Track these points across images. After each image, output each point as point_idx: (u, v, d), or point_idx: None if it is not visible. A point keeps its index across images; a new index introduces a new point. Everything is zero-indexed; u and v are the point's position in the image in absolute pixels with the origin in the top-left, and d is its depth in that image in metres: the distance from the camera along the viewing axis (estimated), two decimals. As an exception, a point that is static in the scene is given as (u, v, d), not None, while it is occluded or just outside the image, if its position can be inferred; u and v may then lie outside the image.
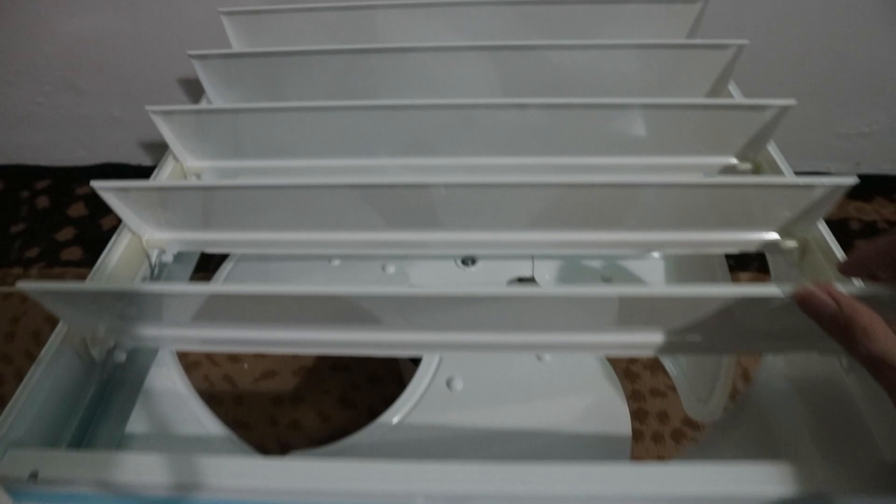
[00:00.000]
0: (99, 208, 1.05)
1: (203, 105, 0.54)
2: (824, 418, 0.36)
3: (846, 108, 1.07)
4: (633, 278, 0.54)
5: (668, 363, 0.54)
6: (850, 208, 1.11)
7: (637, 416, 0.80)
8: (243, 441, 0.39)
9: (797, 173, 0.40)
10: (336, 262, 0.54)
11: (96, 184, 0.39)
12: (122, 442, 0.37)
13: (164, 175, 0.48)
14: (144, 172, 1.13)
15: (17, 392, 0.35)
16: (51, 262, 0.95)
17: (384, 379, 0.80)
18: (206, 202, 0.40)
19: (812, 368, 0.38)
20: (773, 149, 0.45)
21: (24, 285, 0.32)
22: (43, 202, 1.07)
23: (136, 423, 0.38)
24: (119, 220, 0.42)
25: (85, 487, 0.29)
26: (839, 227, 1.08)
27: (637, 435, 0.80)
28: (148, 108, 0.46)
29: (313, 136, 0.46)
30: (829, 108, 1.07)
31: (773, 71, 0.98)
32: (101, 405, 0.38)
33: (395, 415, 0.42)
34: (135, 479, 0.29)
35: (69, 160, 1.14)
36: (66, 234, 1.01)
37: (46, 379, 0.35)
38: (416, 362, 0.45)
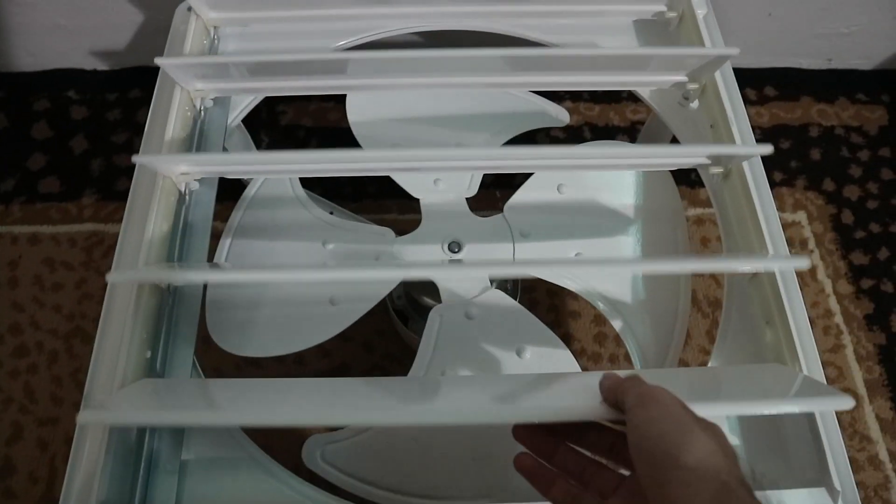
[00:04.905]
0: (65, 130, 1.01)
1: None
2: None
3: (830, 10, 1.06)
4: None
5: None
6: (812, 112, 1.14)
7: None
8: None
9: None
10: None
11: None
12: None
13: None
14: (101, 77, 1.07)
15: (97, 456, 0.42)
16: (31, 197, 0.94)
17: (375, 312, 0.89)
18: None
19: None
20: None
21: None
22: (1, 121, 1.02)
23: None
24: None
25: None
26: (799, 133, 1.12)
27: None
28: (158, 60, 0.56)
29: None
30: (814, 11, 1.06)
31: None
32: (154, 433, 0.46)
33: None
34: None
35: (16, 66, 1.06)
36: (37, 161, 0.99)
37: (112, 440, 0.43)
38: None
